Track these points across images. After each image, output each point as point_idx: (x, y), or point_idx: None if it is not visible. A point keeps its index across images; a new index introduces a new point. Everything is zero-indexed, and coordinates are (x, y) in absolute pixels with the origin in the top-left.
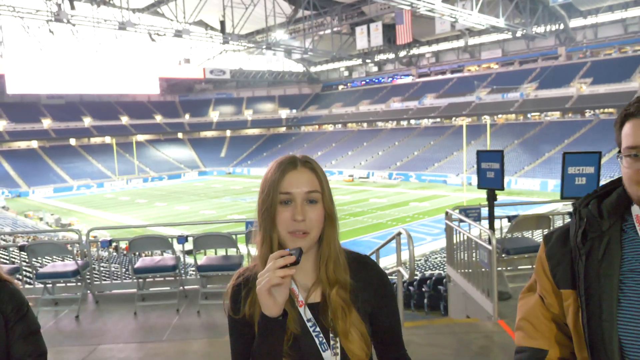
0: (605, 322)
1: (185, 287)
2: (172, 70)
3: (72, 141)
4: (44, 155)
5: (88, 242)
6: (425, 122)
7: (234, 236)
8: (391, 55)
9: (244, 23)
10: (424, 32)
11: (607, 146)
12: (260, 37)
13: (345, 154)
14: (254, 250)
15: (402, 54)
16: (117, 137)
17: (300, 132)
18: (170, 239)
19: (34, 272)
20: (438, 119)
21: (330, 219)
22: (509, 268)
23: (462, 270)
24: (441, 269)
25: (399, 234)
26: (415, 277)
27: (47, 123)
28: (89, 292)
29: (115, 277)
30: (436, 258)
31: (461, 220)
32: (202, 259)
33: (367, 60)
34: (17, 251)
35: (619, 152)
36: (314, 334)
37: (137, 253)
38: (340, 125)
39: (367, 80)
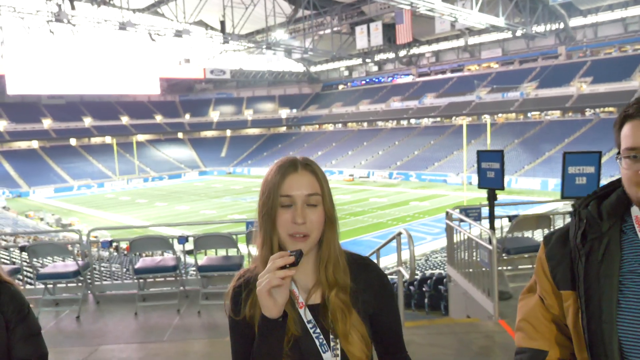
0: (605, 324)
1: (186, 287)
2: (172, 70)
3: (73, 141)
4: (44, 156)
5: (89, 242)
6: (426, 122)
7: (234, 236)
8: (391, 55)
9: (244, 23)
10: (424, 32)
11: (607, 145)
12: (260, 37)
13: (346, 154)
14: (254, 251)
15: (402, 53)
16: (118, 137)
17: (300, 131)
18: (170, 239)
19: (35, 272)
20: (438, 119)
21: (331, 222)
22: (509, 268)
23: (463, 270)
24: (442, 268)
25: (400, 233)
26: (416, 277)
27: (47, 123)
28: (89, 292)
29: (116, 278)
30: (437, 257)
31: (461, 220)
32: (202, 259)
33: (367, 60)
34: (18, 252)
35: (618, 153)
36: (314, 335)
37: (137, 253)
38: (340, 125)
39: (367, 80)
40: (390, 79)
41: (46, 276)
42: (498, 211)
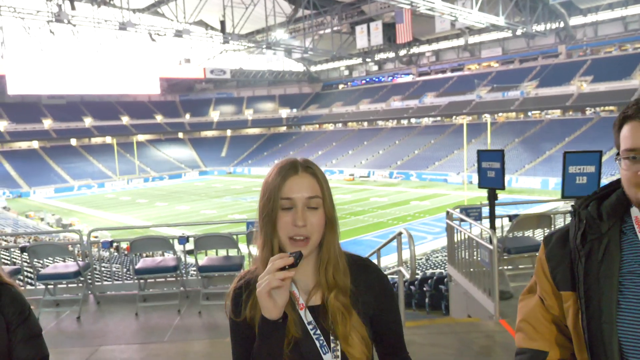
0: (605, 324)
1: (187, 287)
2: (173, 70)
3: (73, 141)
4: (44, 156)
5: (89, 242)
6: (426, 121)
7: (234, 236)
8: (391, 54)
9: (244, 23)
10: (424, 31)
11: (607, 144)
12: (261, 37)
13: (346, 153)
14: (255, 251)
15: (402, 52)
16: (118, 137)
17: (300, 131)
18: (171, 240)
19: (35, 273)
20: (438, 118)
21: (331, 224)
22: (510, 267)
23: (464, 270)
24: (442, 267)
25: (400, 233)
26: (417, 277)
27: (47, 123)
28: (90, 293)
29: (116, 278)
30: (437, 257)
31: (462, 220)
32: (203, 260)
33: (367, 60)
34: (19, 252)
35: (618, 154)
36: (314, 337)
37: (138, 254)
38: (340, 125)
39: (368, 79)
40: (390, 78)
41: (47, 277)
42: (498, 210)
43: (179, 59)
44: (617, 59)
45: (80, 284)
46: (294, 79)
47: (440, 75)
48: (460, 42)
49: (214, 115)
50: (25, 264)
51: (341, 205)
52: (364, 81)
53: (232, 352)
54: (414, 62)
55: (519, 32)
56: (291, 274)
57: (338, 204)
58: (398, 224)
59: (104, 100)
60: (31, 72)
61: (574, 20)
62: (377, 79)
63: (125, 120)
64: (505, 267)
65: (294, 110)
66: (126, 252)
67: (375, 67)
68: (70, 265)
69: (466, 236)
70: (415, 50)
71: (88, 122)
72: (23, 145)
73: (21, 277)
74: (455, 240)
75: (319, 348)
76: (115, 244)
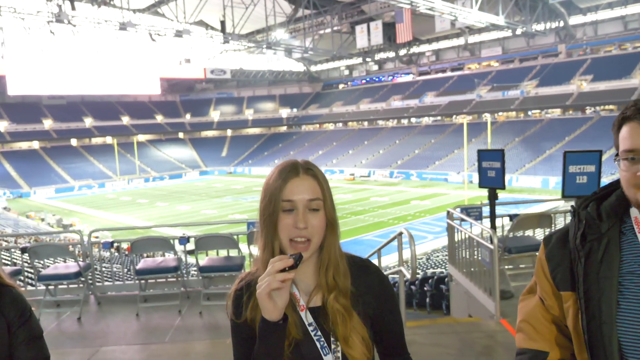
0: (605, 324)
1: (187, 288)
2: (173, 70)
3: (74, 141)
4: (45, 156)
5: (90, 243)
6: (426, 121)
7: (235, 237)
8: (391, 54)
9: (244, 23)
10: (424, 31)
11: (607, 143)
12: (261, 37)
13: (346, 153)
14: (255, 251)
15: (402, 52)
16: (118, 137)
17: (301, 131)
18: (171, 240)
19: (36, 273)
20: (438, 117)
21: (332, 226)
22: (510, 267)
23: (464, 269)
24: (443, 267)
25: (401, 233)
26: (418, 276)
27: (48, 123)
28: (91, 293)
29: (117, 279)
30: (438, 256)
31: (462, 219)
32: (203, 260)
33: (368, 59)
34: (19, 253)
35: (617, 155)
36: (315, 338)
37: (138, 254)
38: (340, 124)
39: (368, 79)
40: (390, 78)
41: (47, 277)
42: (499, 210)
43: (179, 59)
44: (617, 58)
45: (81, 285)
46: (294, 79)
47: (440, 75)
48: (460, 41)
49: (215, 115)
50: (26, 264)
51: (342, 205)
52: (364, 81)
53: (233, 353)
54: (414, 61)
55: (518, 31)
56: (291, 275)
57: (338, 204)
58: (398, 223)
59: (104, 100)
60: (31, 72)
61: (574, 20)
62: (377, 79)
63: (125, 120)
64: (506, 267)
65: (295, 110)
66: (127, 253)
67: (376, 67)
68: (71, 266)
69: (467, 236)
70: (415, 49)
71: (88, 122)
72: (23, 145)
73: (22, 278)
74: (456, 239)
75: (320, 349)
76: (116, 245)
